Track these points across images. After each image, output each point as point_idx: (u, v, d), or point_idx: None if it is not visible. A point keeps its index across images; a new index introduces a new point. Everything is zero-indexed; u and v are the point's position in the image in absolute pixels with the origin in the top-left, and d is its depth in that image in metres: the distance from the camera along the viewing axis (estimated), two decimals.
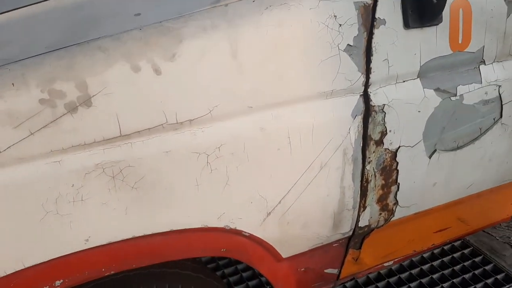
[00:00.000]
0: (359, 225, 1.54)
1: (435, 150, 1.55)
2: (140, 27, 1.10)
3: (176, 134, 1.13)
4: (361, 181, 1.45)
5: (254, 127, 1.22)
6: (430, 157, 1.55)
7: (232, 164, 1.21)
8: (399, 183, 1.53)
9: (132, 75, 1.06)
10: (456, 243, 2.54)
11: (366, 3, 1.30)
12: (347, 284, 2.26)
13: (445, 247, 2.49)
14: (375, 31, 1.32)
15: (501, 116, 1.63)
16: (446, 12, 1.41)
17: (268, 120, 1.24)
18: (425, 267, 2.34)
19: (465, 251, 2.49)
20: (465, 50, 1.49)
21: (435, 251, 2.47)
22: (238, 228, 1.29)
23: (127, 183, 1.10)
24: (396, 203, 1.56)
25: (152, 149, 1.11)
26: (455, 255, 2.46)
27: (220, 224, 1.26)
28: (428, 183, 1.60)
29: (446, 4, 1.40)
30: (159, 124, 1.11)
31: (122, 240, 1.15)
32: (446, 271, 2.31)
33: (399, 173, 1.51)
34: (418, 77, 1.44)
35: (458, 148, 1.60)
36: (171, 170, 1.14)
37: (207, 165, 1.18)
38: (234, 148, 1.21)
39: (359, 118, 1.37)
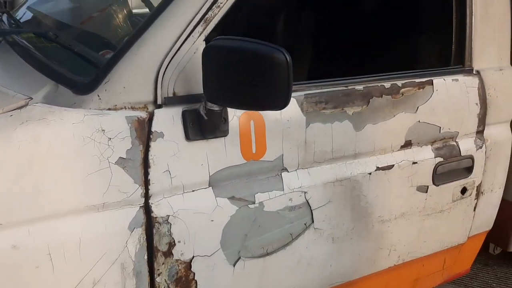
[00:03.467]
0: None
1: (239, 258, 1.52)
2: None
3: None
4: None
5: (5, 245, 1.17)
6: (234, 265, 1.52)
7: None
8: None
9: None
10: None
11: (141, 117, 1.31)
12: None
13: None
14: (152, 144, 1.32)
15: (312, 222, 1.63)
16: (234, 124, 1.43)
17: (23, 237, 1.19)
18: None
19: None
20: (261, 159, 1.50)
21: None
22: None
23: None
24: None
25: None
26: None
27: None
28: None
29: (235, 116, 1.43)
30: None
31: None
32: None
33: (198, 283, 1.47)
34: (209, 186, 1.44)
35: (268, 254, 1.58)
36: None
37: None
38: None
39: (140, 230, 1.34)
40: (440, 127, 1.86)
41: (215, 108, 1.33)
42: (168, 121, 1.34)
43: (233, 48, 1.24)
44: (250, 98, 1.26)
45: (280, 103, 1.26)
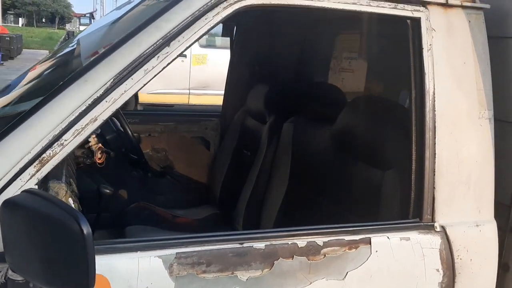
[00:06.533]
0: None
1: None
2: None
3: None
4: None
5: None
6: None
7: None
8: None
9: None
10: None
11: None
12: None
13: None
14: None
15: None
16: None
17: None
18: None
19: None
20: None
21: None
22: None
23: None
24: None
25: None
26: None
27: None
28: None
29: None
30: None
31: None
32: None
33: None
34: None
35: None
36: None
37: None
38: None
39: None
40: None
41: (17, 278, 1.04)
42: None
43: (27, 208, 0.97)
44: (48, 275, 0.97)
45: (80, 285, 0.95)
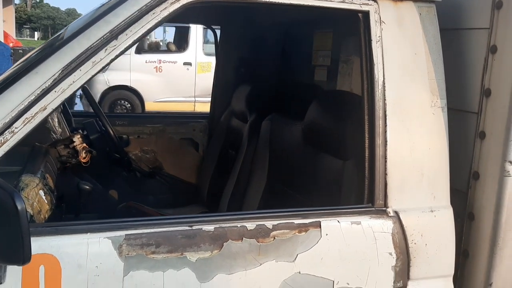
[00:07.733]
0: None
1: None
2: None
3: None
4: None
5: None
6: None
7: None
8: None
9: None
10: None
11: None
12: None
13: None
14: None
15: None
16: (16, 269, 1.20)
17: None
18: None
19: None
20: None
21: None
22: None
23: None
24: None
25: None
26: None
27: None
28: None
29: None
30: None
31: None
32: None
33: None
34: None
35: None
36: None
37: None
38: None
39: None
40: (333, 281, 1.49)
41: None
42: None
43: None
44: None
45: (17, 258, 1.02)
